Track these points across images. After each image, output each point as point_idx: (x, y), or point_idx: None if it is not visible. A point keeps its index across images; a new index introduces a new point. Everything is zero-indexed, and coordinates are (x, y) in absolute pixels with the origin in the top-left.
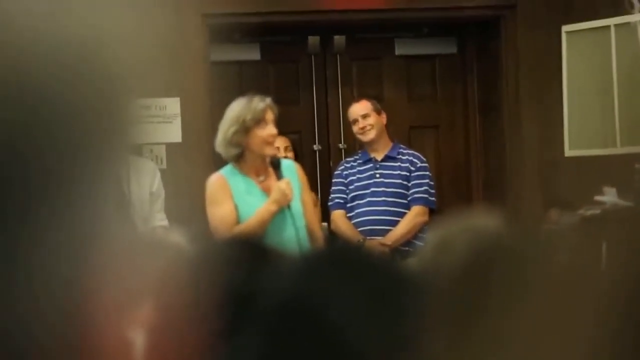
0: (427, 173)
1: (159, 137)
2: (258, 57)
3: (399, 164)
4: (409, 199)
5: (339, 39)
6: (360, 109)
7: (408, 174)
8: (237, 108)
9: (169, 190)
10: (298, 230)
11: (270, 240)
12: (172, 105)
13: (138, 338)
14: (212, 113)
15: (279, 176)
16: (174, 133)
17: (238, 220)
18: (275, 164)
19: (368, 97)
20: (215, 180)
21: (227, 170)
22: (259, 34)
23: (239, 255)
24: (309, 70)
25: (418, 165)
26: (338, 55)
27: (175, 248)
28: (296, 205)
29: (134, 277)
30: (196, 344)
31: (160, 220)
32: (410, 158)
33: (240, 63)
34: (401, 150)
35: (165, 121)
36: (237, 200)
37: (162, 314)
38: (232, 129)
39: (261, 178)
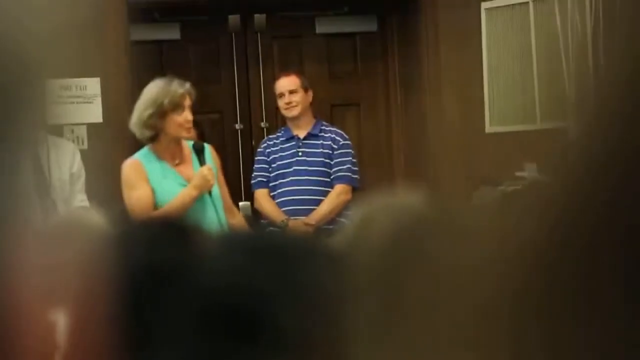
0: (350, 151)
1: (79, 118)
2: (178, 36)
3: (321, 141)
4: (332, 177)
5: (259, 18)
6: (288, 83)
7: (331, 151)
8: (154, 90)
9: (89, 170)
10: (218, 213)
11: (191, 218)
12: (93, 86)
13: (60, 319)
14: (132, 93)
15: (202, 161)
16: (94, 113)
17: (155, 204)
18: (199, 149)
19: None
20: (131, 164)
21: (142, 154)
22: (179, 13)
23: (160, 235)
24: (230, 49)
25: (341, 143)
26: (259, 34)
27: (96, 229)
28: (215, 189)
29: (54, 258)
30: (117, 324)
31: (81, 201)
32: (333, 135)
33: (160, 42)
34: (323, 127)
35: (86, 101)
36: (153, 184)
37: (83, 295)
38: (148, 112)
39: (176, 161)
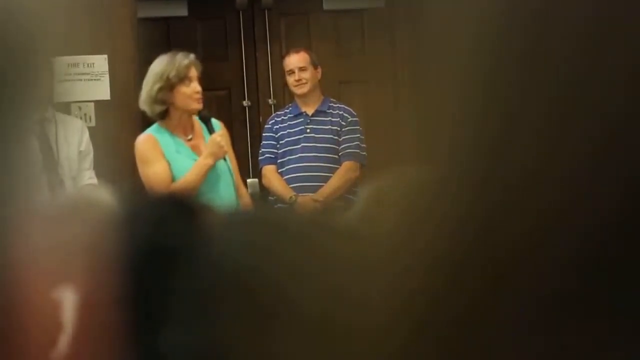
0: (358, 127)
1: (87, 95)
2: (185, 13)
3: (329, 118)
4: (340, 154)
5: None
6: (298, 60)
7: (339, 128)
8: (160, 65)
9: (97, 148)
10: (231, 186)
11: (208, 196)
12: (100, 63)
13: (67, 299)
14: (140, 70)
15: (210, 130)
16: (102, 91)
17: (172, 178)
18: (206, 119)
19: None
20: (145, 139)
21: (154, 129)
22: None
23: (168, 213)
24: (237, 26)
25: (349, 120)
26: (266, 11)
27: (105, 207)
28: (229, 163)
29: (62, 236)
30: (125, 303)
31: (89, 178)
32: (341, 112)
33: (167, 19)
34: (332, 104)
35: (94, 79)
36: (169, 157)
37: (91, 274)
38: (156, 86)
39: (189, 137)
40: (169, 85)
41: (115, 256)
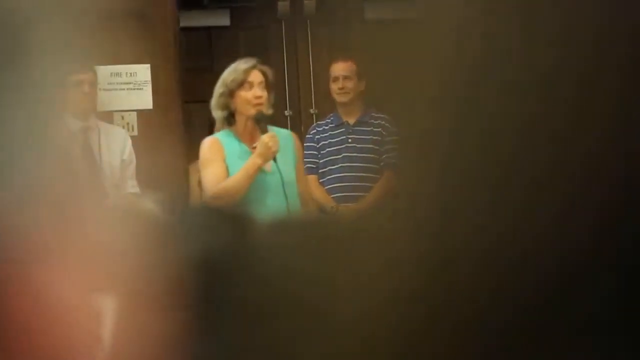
0: None
1: (130, 104)
2: (228, 22)
3: (371, 128)
4: (381, 164)
5: (308, 3)
6: (344, 68)
7: (380, 138)
8: (226, 71)
9: (140, 157)
10: (288, 197)
11: (256, 204)
12: (143, 72)
13: (109, 305)
14: (182, 80)
15: (262, 130)
16: (144, 100)
17: None
18: (259, 121)
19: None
20: (210, 141)
21: (222, 133)
22: None
23: (211, 223)
24: (279, 35)
25: (390, 130)
26: (308, 20)
27: (148, 215)
28: (289, 173)
29: (106, 243)
30: (167, 313)
31: (132, 187)
32: (383, 122)
33: (209, 29)
34: (373, 114)
35: (136, 88)
36: (229, 161)
37: (134, 281)
38: (219, 92)
39: (255, 144)
40: (228, 91)
41: (156, 265)
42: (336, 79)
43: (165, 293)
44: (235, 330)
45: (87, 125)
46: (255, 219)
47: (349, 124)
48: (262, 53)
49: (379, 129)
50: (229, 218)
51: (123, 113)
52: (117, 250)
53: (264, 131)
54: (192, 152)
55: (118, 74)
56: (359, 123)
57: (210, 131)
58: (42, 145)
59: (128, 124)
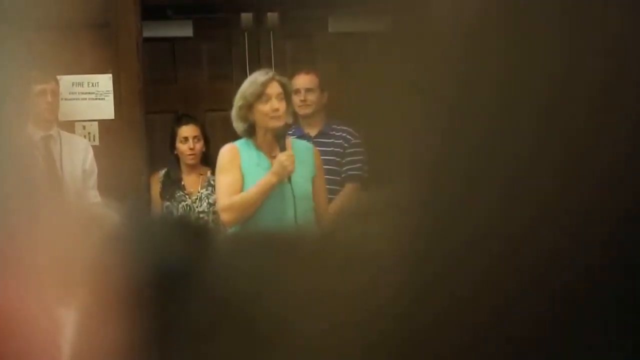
0: (361, 149)
1: (91, 114)
2: (191, 34)
3: (332, 140)
4: (342, 175)
5: (272, 16)
6: (306, 81)
7: (342, 150)
8: (245, 83)
9: (101, 167)
10: (297, 210)
11: (265, 216)
12: (105, 82)
13: (69, 316)
14: (144, 90)
15: (281, 146)
16: (106, 110)
17: (242, 190)
18: (279, 136)
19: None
20: (228, 148)
21: (241, 141)
22: (192, 10)
23: (171, 234)
24: (242, 47)
25: (352, 142)
26: (271, 32)
27: (108, 226)
28: (304, 187)
29: (65, 252)
30: (127, 322)
31: (93, 197)
32: (344, 134)
33: (173, 40)
34: (335, 126)
35: (98, 98)
36: (246, 170)
37: (94, 292)
38: (238, 104)
39: (274, 154)
40: (247, 104)
41: (116, 275)
42: (298, 91)
43: (122, 304)
44: (186, 347)
45: (49, 135)
46: (211, 232)
47: (310, 136)
48: (225, 65)
49: (340, 141)
50: (190, 231)
51: (85, 123)
52: (76, 261)
53: (283, 148)
54: (153, 163)
55: (80, 84)
56: (320, 135)
57: (172, 142)
58: (3, 155)
59: (89, 133)
